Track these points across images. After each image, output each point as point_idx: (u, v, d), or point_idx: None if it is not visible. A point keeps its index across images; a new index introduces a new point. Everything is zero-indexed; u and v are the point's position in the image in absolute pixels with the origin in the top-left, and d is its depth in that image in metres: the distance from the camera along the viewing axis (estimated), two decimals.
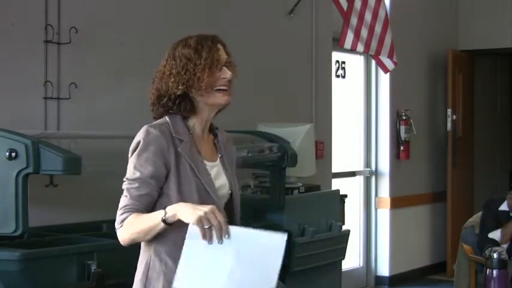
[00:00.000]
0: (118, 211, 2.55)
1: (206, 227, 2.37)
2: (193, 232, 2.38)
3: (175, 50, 2.64)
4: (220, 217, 2.40)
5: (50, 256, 3.58)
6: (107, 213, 4.30)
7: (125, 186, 2.56)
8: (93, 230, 4.32)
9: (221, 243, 2.38)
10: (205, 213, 2.38)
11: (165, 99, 2.62)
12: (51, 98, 4.50)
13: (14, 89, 4.36)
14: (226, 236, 2.39)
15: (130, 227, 2.51)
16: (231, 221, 2.65)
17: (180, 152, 2.57)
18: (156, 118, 2.67)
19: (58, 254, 3.62)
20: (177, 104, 2.61)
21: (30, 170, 3.54)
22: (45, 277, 3.53)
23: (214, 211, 2.40)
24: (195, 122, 2.66)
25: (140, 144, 2.55)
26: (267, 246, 2.38)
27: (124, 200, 2.54)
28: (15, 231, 3.55)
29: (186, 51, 2.61)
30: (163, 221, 2.45)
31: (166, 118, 2.63)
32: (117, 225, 2.55)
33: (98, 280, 3.64)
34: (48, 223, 4.29)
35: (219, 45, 2.65)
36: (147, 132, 2.56)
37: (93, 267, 3.64)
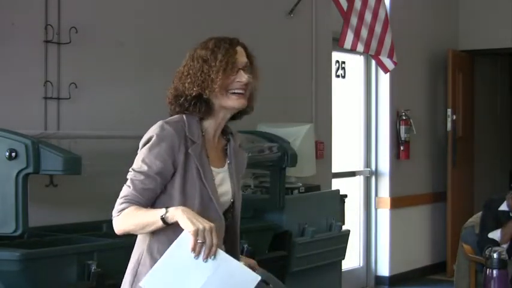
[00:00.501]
0: (118, 199, 2.55)
1: (200, 241, 2.39)
2: (185, 239, 2.40)
3: (194, 52, 2.66)
4: (215, 238, 2.42)
5: (50, 256, 3.58)
6: (106, 213, 4.29)
7: (129, 176, 2.57)
8: (93, 230, 4.31)
9: (205, 261, 2.41)
10: (204, 228, 2.40)
11: (181, 99, 2.62)
12: (51, 98, 4.50)
13: (14, 89, 4.36)
14: (213, 257, 2.41)
15: (127, 218, 2.52)
16: (231, 228, 2.68)
17: (190, 153, 2.57)
18: (172, 116, 2.67)
19: (58, 254, 3.62)
20: (193, 104, 2.61)
21: (30, 170, 3.54)
22: (45, 277, 3.53)
23: (212, 230, 2.42)
24: (209, 124, 2.66)
25: (153, 139, 2.56)
26: (240, 280, 2.46)
27: (126, 190, 2.55)
28: (15, 231, 3.55)
29: (204, 53, 2.63)
30: (162, 219, 2.46)
31: (184, 116, 2.63)
32: (114, 213, 2.55)
33: (98, 280, 3.64)
34: (48, 223, 4.28)
35: (238, 48, 2.67)
36: (162, 128, 2.57)
37: (93, 267, 3.64)
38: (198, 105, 2.61)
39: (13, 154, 3.54)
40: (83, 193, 4.53)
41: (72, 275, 3.62)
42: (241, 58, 2.66)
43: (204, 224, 2.41)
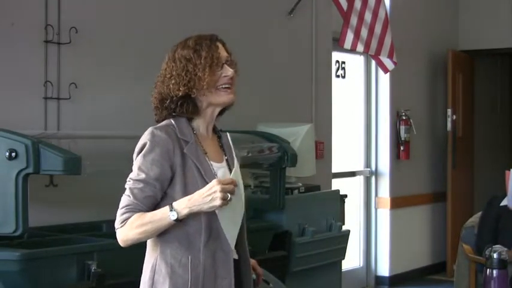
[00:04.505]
0: (119, 210, 2.54)
1: (229, 199, 2.47)
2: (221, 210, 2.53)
3: (174, 53, 2.64)
4: (227, 179, 2.50)
5: (50, 256, 3.58)
6: (106, 213, 4.29)
7: (128, 186, 2.56)
8: (93, 230, 4.31)
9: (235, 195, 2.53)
10: (221, 191, 2.45)
11: (167, 102, 2.62)
12: (51, 98, 4.50)
13: (14, 89, 4.36)
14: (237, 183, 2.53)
15: (133, 227, 2.51)
16: None
17: (186, 154, 2.57)
18: (158, 121, 2.66)
19: (58, 254, 3.62)
20: (180, 105, 2.60)
21: (30, 170, 3.54)
22: (45, 277, 3.53)
23: (222, 184, 2.47)
24: (199, 123, 2.66)
25: (146, 146, 2.55)
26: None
27: (126, 200, 2.54)
28: (15, 231, 3.55)
29: (185, 52, 2.61)
30: (176, 220, 2.49)
31: (171, 120, 2.62)
32: (117, 224, 2.54)
33: (98, 280, 3.63)
34: (48, 223, 4.28)
35: (218, 44, 2.66)
36: (153, 134, 2.56)
37: (93, 267, 3.64)
38: (184, 105, 2.60)
39: (13, 154, 3.54)
40: (83, 193, 4.52)
41: (72, 275, 3.62)
42: (223, 53, 2.65)
43: (215, 192, 2.46)
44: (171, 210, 2.48)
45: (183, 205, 2.49)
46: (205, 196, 2.47)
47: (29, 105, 4.42)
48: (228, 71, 2.63)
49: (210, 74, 2.58)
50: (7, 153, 3.54)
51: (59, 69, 4.55)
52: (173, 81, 2.59)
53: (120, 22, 4.99)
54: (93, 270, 3.63)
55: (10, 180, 3.54)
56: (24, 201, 3.54)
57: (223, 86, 2.62)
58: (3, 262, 3.46)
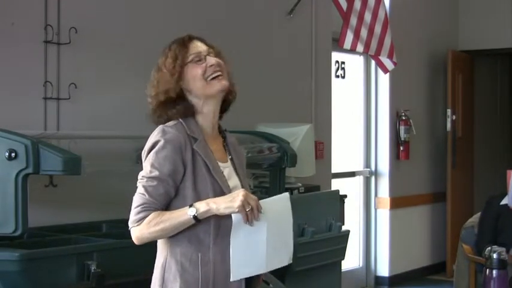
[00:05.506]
0: (134, 209, 2.55)
1: (248, 210, 2.48)
2: (237, 221, 2.50)
3: (159, 60, 2.73)
4: (253, 196, 2.52)
5: (50, 256, 3.57)
6: (106, 213, 4.30)
7: (141, 184, 2.56)
8: (93, 230, 4.31)
9: (258, 219, 2.52)
10: (244, 196, 2.48)
11: (166, 105, 2.66)
12: (50, 98, 4.50)
13: (13, 89, 4.36)
14: (261, 210, 2.52)
15: (153, 225, 2.52)
16: None
17: (196, 151, 2.59)
18: (157, 125, 2.67)
19: (58, 254, 3.61)
20: (177, 107, 2.64)
21: (30, 170, 3.53)
22: (45, 277, 3.53)
23: (246, 193, 2.50)
24: (203, 120, 2.68)
25: (159, 143, 2.57)
26: (280, 208, 2.69)
27: (141, 198, 2.54)
28: (15, 231, 3.55)
29: (160, 61, 2.71)
30: (195, 217, 2.49)
31: (179, 118, 2.65)
32: (133, 223, 2.54)
33: (98, 280, 3.63)
34: (48, 223, 4.28)
35: (192, 43, 2.70)
36: (164, 132, 2.59)
37: (93, 268, 3.63)
38: (182, 105, 2.64)
39: (13, 154, 3.54)
40: (83, 193, 4.52)
41: (72, 275, 3.62)
42: (202, 47, 2.70)
43: (239, 194, 2.49)
44: (190, 207, 2.50)
45: (203, 202, 2.52)
46: (227, 197, 2.51)
47: (28, 105, 4.42)
48: (211, 60, 2.66)
49: (191, 69, 2.63)
50: (7, 154, 3.54)
51: (59, 70, 4.55)
52: (161, 87, 2.66)
53: (120, 22, 4.99)
54: (93, 271, 3.63)
55: (10, 181, 3.54)
56: (24, 202, 3.54)
57: (213, 75, 2.65)
58: (3, 262, 3.46)
